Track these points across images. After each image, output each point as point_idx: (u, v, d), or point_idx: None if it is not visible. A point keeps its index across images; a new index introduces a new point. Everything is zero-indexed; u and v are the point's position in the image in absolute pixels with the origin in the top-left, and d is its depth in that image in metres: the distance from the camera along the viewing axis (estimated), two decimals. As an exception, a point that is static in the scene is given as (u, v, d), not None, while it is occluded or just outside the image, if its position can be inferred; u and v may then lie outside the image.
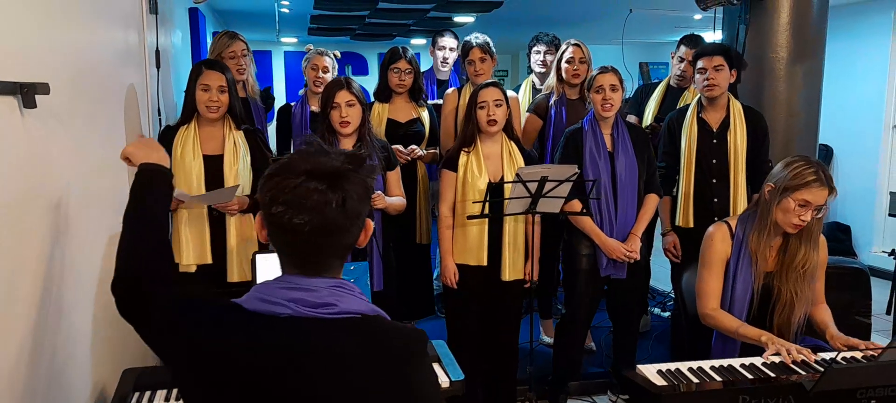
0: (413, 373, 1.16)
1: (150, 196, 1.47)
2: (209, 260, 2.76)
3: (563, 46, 3.64)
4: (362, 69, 10.67)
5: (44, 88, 1.56)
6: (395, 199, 2.94)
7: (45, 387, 1.69)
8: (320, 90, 3.75)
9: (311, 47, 3.88)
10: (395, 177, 2.99)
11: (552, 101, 3.64)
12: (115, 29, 2.60)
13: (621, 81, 3.09)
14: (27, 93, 1.50)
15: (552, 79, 3.69)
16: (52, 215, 1.78)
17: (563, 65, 3.59)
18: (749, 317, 2.39)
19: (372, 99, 3.73)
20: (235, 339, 1.14)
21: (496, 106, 2.92)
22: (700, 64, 3.27)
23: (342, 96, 2.84)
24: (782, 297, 2.34)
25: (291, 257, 1.18)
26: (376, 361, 1.13)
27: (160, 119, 3.16)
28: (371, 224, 1.23)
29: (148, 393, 2.04)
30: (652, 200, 3.18)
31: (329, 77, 3.75)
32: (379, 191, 2.84)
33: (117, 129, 2.51)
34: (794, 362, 2.15)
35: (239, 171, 2.77)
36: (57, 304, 1.79)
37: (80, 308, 1.98)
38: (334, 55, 3.85)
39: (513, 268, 2.99)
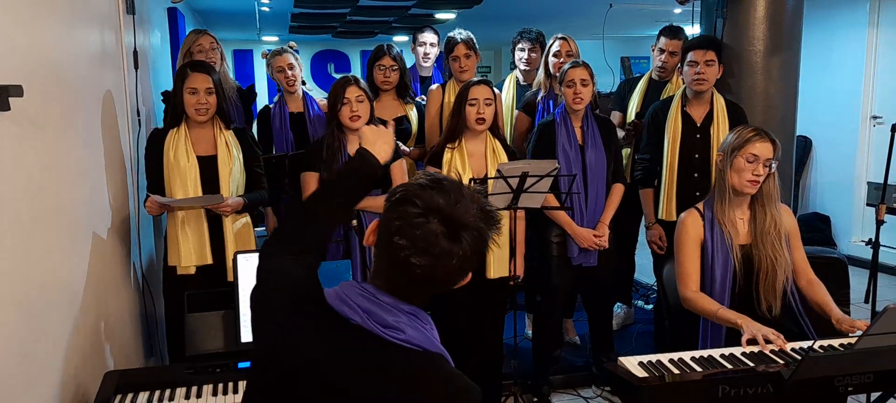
0: None
1: (346, 182, 1.45)
2: (210, 261, 2.77)
3: (551, 41, 3.65)
4: (344, 67, 10.62)
5: (17, 90, 1.54)
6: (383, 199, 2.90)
7: (21, 390, 1.68)
8: (294, 89, 3.71)
9: (267, 52, 3.81)
10: (398, 168, 3.00)
11: (539, 97, 3.65)
12: (91, 29, 2.57)
13: (592, 76, 3.15)
14: (0, 96, 1.48)
15: (540, 75, 3.70)
16: (27, 219, 1.76)
17: (551, 58, 3.61)
18: (734, 292, 2.44)
19: None
20: (303, 329, 1.16)
21: (486, 104, 2.93)
22: (690, 57, 3.27)
23: (352, 92, 2.87)
24: (762, 265, 2.42)
25: (390, 277, 1.17)
26: (420, 401, 1.13)
27: (139, 119, 3.13)
28: (469, 276, 1.20)
29: (130, 395, 2.03)
30: (618, 189, 3.27)
31: (296, 73, 3.70)
32: None
33: (94, 132, 2.48)
34: (772, 351, 2.17)
35: (233, 172, 2.77)
36: (32, 308, 1.77)
37: (56, 311, 1.96)
38: (291, 47, 3.79)
39: (497, 266, 3.00)
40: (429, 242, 1.09)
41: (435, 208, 1.10)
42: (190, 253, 2.74)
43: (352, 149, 2.92)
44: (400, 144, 3.44)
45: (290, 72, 3.66)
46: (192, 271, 2.76)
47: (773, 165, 2.40)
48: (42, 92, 1.89)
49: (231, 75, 3.78)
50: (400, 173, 2.99)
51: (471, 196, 1.15)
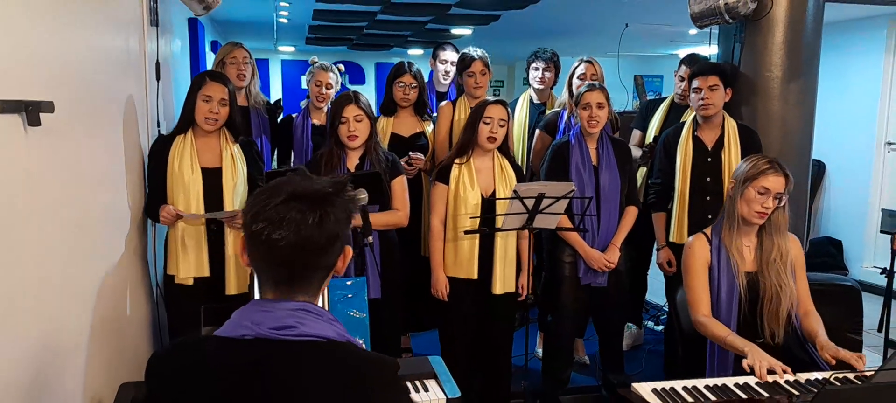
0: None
1: None
2: (207, 273, 2.76)
3: (576, 62, 3.70)
4: (359, 79, 10.69)
5: (48, 107, 1.57)
6: (383, 216, 2.93)
7: (37, 401, 1.69)
8: (322, 105, 3.77)
9: (317, 60, 3.88)
10: (399, 185, 2.99)
11: (563, 118, 3.69)
12: (117, 40, 2.61)
13: (608, 99, 3.17)
14: (31, 112, 1.51)
15: (564, 96, 3.75)
16: (52, 230, 1.79)
17: (575, 80, 3.66)
18: (740, 319, 2.45)
19: (377, 112, 3.76)
20: (196, 372, 1.17)
21: (500, 125, 2.96)
22: (695, 83, 3.33)
23: (350, 110, 2.87)
24: (767, 292, 2.44)
25: (268, 275, 1.21)
26: (336, 388, 1.14)
27: (159, 130, 3.17)
28: (350, 251, 1.26)
29: (145, 407, 2.04)
30: (631, 212, 3.28)
31: (332, 93, 3.77)
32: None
33: (116, 142, 2.52)
34: (787, 382, 2.17)
35: (237, 185, 2.78)
36: (54, 318, 1.80)
37: (76, 322, 1.99)
38: (338, 69, 3.85)
39: (504, 282, 3.01)
40: (282, 214, 1.15)
41: (285, 192, 1.17)
42: (188, 263, 2.74)
43: (351, 164, 2.93)
44: (396, 159, 3.45)
45: (326, 91, 3.75)
46: (190, 282, 2.75)
47: (784, 198, 2.42)
48: (69, 104, 1.92)
49: (258, 88, 3.84)
50: (400, 190, 2.99)
51: (318, 179, 1.23)
